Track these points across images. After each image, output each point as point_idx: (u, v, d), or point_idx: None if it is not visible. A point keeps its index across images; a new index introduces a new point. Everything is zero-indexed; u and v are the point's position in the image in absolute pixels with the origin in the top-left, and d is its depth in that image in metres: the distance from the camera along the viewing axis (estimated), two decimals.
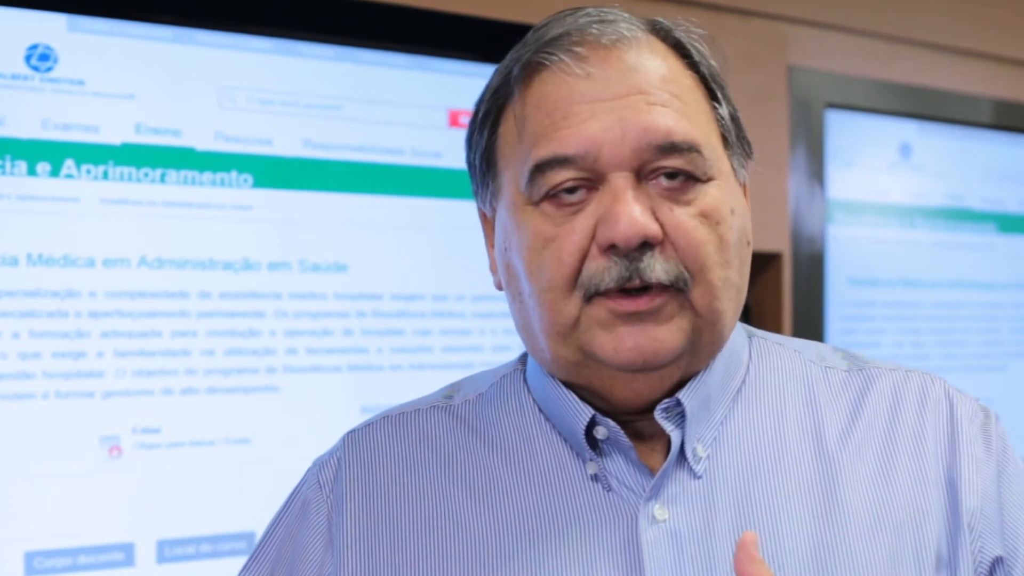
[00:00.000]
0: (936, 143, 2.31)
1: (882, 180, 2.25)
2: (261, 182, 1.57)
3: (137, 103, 1.49)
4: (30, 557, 1.39)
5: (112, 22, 1.47)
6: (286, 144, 1.59)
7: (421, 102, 1.69)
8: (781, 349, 0.90)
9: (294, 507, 0.90)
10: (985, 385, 2.33)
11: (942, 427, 0.85)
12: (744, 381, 0.86)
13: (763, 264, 2.08)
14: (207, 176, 1.53)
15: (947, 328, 2.31)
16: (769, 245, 2.04)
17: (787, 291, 2.06)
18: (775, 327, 2.03)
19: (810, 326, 2.08)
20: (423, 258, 1.68)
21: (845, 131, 2.19)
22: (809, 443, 0.83)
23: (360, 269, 1.63)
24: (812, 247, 2.11)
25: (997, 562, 0.82)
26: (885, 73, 2.21)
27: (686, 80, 0.81)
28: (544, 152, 0.78)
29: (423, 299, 1.68)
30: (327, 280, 1.61)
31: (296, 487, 0.91)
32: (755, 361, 0.88)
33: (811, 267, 2.11)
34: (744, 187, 0.86)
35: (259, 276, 1.56)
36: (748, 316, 2.04)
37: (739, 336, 0.88)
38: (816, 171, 2.12)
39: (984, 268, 2.37)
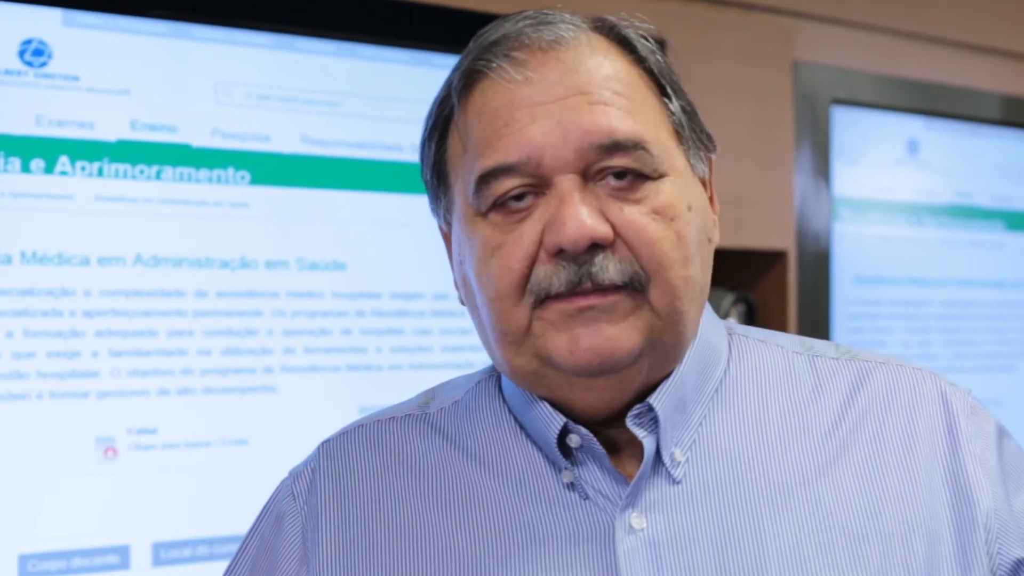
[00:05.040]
0: (944, 139, 2.29)
1: (889, 177, 2.23)
2: (258, 179, 1.55)
3: (132, 99, 1.47)
4: (24, 560, 1.37)
5: (107, 17, 1.46)
6: (284, 141, 1.57)
7: (420, 98, 1.64)
8: (763, 346, 0.87)
9: (269, 518, 0.88)
10: (993, 385, 2.31)
11: (938, 428, 0.82)
12: (723, 380, 0.84)
13: (768, 262, 2.06)
14: (203, 173, 1.51)
15: (955, 327, 2.29)
16: (774, 243, 2.02)
17: (792, 290, 2.05)
18: (780, 326, 2.01)
19: (816, 325, 2.06)
20: (423, 256, 1.66)
21: (851, 127, 2.17)
22: (794, 444, 0.81)
23: (359, 267, 1.62)
24: (818, 245, 2.09)
25: (1020, 564, 0.79)
26: (892, 68, 2.19)
27: (631, 77, 0.79)
28: (488, 162, 0.77)
29: (423, 298, 1.66)
30: (325, 279, 1.59)
31: (271, 497, 0.90)
32: (735, 359, 0.85)
33: (817, 265, 2.08)
34: (706, 182, 0.83)
35: (256, 275, 1.54)
36: (752, 315, 2.02)
37: (717, 333, 0.85)
38: (822, 168, 2.10)
39: (992, 266, 2.35)
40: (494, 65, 0.78)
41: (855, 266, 2.18)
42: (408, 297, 1.65)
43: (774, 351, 0.87)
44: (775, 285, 2.06)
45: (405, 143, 1.66)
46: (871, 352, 0.88)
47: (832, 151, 2.12)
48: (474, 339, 1.69)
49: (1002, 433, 0.85)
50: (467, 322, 1.68)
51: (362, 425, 0.89)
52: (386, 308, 1.63)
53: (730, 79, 1.95)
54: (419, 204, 1.67)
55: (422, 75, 1.67)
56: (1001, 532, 0.80)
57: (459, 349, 1.68)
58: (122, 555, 1.43)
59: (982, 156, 2.35)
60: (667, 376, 0.80)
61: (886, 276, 2.22)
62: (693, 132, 0.82)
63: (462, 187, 0.80)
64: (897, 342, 2.21)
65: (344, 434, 0.89)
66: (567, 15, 0.80)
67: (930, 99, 2.25)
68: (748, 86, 1.98)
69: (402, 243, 1.65)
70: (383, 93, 1.65)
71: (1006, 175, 2.38)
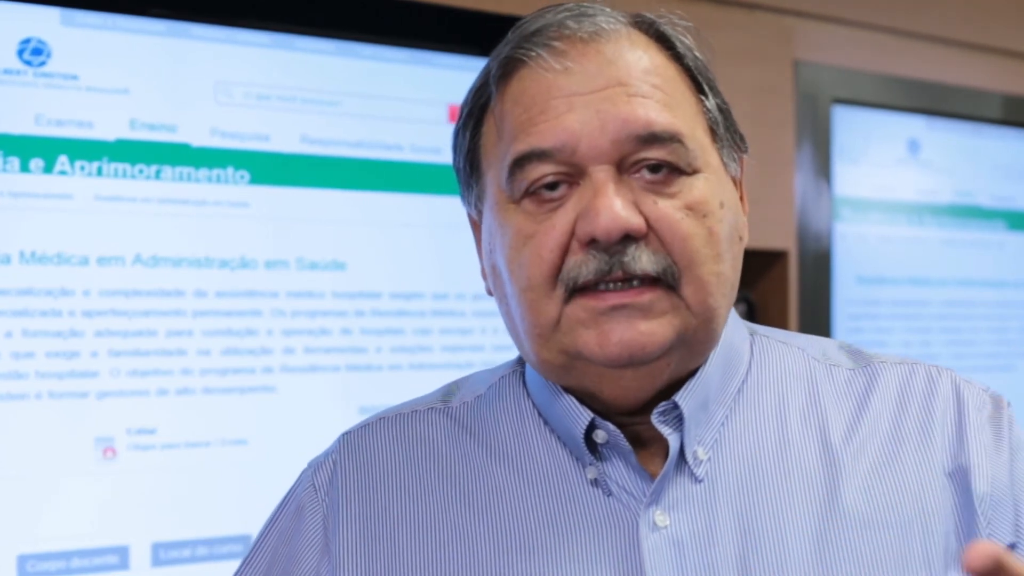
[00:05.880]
0: (945, 139, 2.29)
1: (890, 177, 2.23)
2: (258, 179, 1.55)
3: (132, 98, 1.47)
4: (23, 560, 1.37)
5: (106, 16, 1.45)
6: (283, 140, 1.57)
7: (420, 97, 1.67)
8: (784, 347, 0.88)
9: (289, 509, 0.88)
10: (994, 385, 2.28)
11: (949, 419, 0.83)
12: (745, 381, 0.84)
13: (769, 262, 2.05)
14: (203, 172, 1.51)
15: (956, 327, 2.29)
16: (775, 243, 2.02)
17: (793, 290, 2.04)
18: (780, 326, 1.99)
19: (817, 325, 2.06)
20: (423, 256, 1.66)
21: (852, 127, 2.16)
22: (814, 444, 0.81)
23: (359, 267, 1.61)
24: (819, 245, 2.08)
25: (1009, 549, 0.79)
26: (893, 68, 2.19)
27: (669, 72, 0.79)
28: (522, 147, 0.77)
29: (423, 298, 1.66)
30: (325, 278, 1.59)
31: (291, 488, 0.90)
32: (757, 360, 0.86)
33: (818, 265, 2.08)
34: (737, 182, 0.84)
35: (256, 274, 1.54)
36: (753, 315, 2.02)
37: (739, 334, 0.86)
38: (822, 167, 2.09)
39: (993, 266, 2.34)
40: (533, 54, 0.78)
41: (856, 266, 2.17)
42: (408, 297, 1.65)
43: (795, 353, 0.87)
44: (776, 285, 2.06)
45: (405, 143, 1.66)
46: (887, 355, 0.89)
47: (833, 150, 2.11)
48: (474, 339, 1.70)
49: (1014, 424, 0.85)
50: (467, 322, 1.69)
51: (383, 417, 0.89)
52: (386, 308, 1.63)
53: (731, 78, 1.93)
54: (419, 204, 1.68)
55: (422, 74, 1.67)
56: (995, 518, 0.80)
57: (459, 349, 1.68)
58: (121, 555, 1.43)
59: (983, 156, 2.34)
60: (693, 373, 0.80)
61: (887, 276, 2.21)
62: (728, 131, 0.82)
63: (495, 174, 0.80)
64: (898, 342, 2.21)
65: (366, 426, 0.89)
66: (607, 8, 0.81)
67: (931, 98, 2.24)
68: (749, 85, 1.98)
69: (402, 243, 1.65)
70: (383, 92, 1.65)
71: (1007, 175, 2.38)
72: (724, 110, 0.82)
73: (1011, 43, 2.35)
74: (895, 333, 2.21)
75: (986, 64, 2.32)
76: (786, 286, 2.04)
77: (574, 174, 0.76)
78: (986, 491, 0.80)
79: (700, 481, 0.79)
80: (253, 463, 1.51)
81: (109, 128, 1.45)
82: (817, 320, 2.07)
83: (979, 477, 0.80)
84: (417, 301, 1.66)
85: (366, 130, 1.63)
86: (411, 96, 1.66)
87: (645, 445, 0.80)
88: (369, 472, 0.85)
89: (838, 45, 2.12)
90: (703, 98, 0.81)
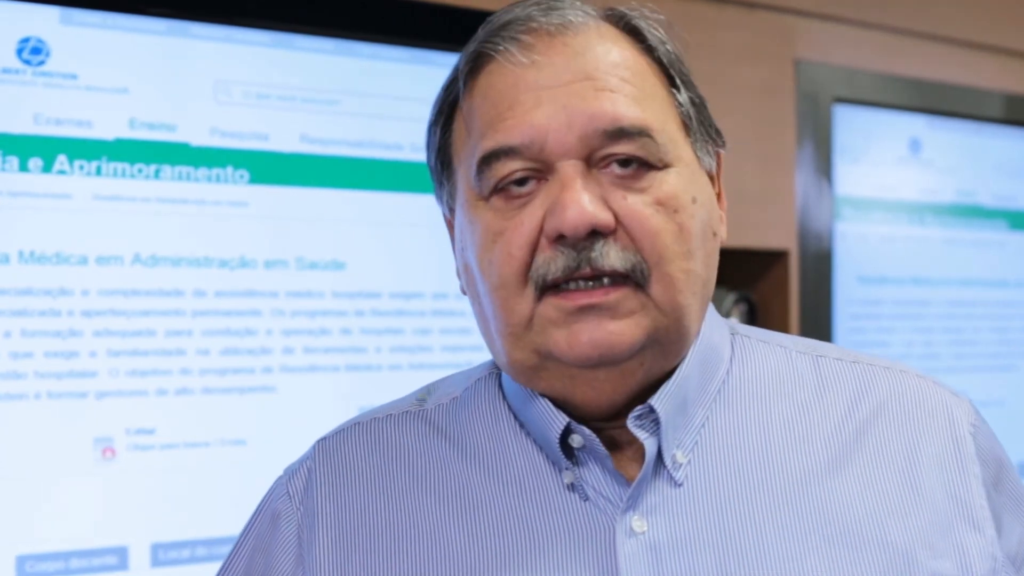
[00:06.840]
0: (946, 138, 2.28)
1: (891, 176, 2.22)
2: (257, 178, 1.55)
3: (131, 98, 1.46)
4: (22, 561, 1.36)
5: (105, 15, 1.45)
6: (283, 139, 1.57)
7: (420, 96, 1.66)
8: (766, 347, 0.86)
9: (264, 517, 0.88)
10: (996, 385, 2.30)
11: (944, 442, 0.81)
12: (725, 381, 0.82)
13: (769, 262, 2.05)
14: (202, 172, 1.51)
15: (957, 327, 2.28)
16: (776, 243, 2.01)
17: (794, 289, 2.04)
18: (782, 326, 2.00)
19: (818, 325, 2.05)
20: (422, 255, 1.65)
21: (853, 126, 2.16)
22: (796, 447, 0.80)
23: (358, 267, 1.61)
24: (820, 244, 2.08)
25: None
26: (894, 67, 2.18)
27: (640, 65, 0.79)
28: (490, 144, 0.76)
29: (423, 297, 1.66)
30: (325, 278, 1.58)
31: (266, 495, 0.89)
32: (737, 359, 0.84)
33: (819, 265, 2.08)
34: (713, 177, 0.83)
35: (255, 274, 1.53)
36: (753, 315, 2.01)
37: (719, 333, 0.84)
38: (823, 167, 2.09)
39: (995, 266, 2.34)
40: (501, 48, 0.77)
41: (857, 265, 2.17)
42: (408, 297, 1.65)
43: (777, 352, 0.86)
44: (777, 285, 2.05)
45: (405, 142, 1.66)
46: (873, 356, 0.87)
47: (834, 150, 2.11)
48: (474, 339, 1.69)
49: (1002, 452, 0.85)
50: (467, 322, 1.69)
51: (358, 423, 0.88)
52: (386, 308, 1.63)
53: (731, 77, 1.94)
54: (419, 203, 1.68)
55: (421, 73, 1.67)
56: (1006, 561, 0.79)
57: (459, 349, 1.68)
58: (120, 556, 1.42)
59: (985, 155, 2.34)
60: (669, 374, 0.79)
61: (888, 276, 2.21)
62: (701, 125, 0.81)
63: (465, 171, 0.79)
64: (899, 342, 2.20)
65: (340, 432, 0.88)
66: (577, 2, 0.80)
67: (932, 97, 2.24)
68: (749, 84, 1.97)
69: (402, 243, 1.64)
70: (382, 91, 1.64)
71: (1009, 174, 2.37)
72: (698, 104, 0.81)
73: (1012, 42, 2.35)
74: (897, 333, 2.21)
75: (988, 63, 2.31)
76: (787, 286, 2.04)
77: (543, 169, 0.75)
78: (993, 535, 0.79)
79: (679, 485, 0.77)
80: (252, 463, 1.51)
81: (108, 127, 1.45)
82: (818, 320, 2.06)
83: (984, 517, 0.79)
84: (417, 301, 1.65)
85: (366, 129, 1.63)
86: (410, 95, 1.66)
87: (622, 449, 0.79)
88: (344, 479, 0.84)
89: (839, 44, 2.12)
90: (675, 91, 0.80)
